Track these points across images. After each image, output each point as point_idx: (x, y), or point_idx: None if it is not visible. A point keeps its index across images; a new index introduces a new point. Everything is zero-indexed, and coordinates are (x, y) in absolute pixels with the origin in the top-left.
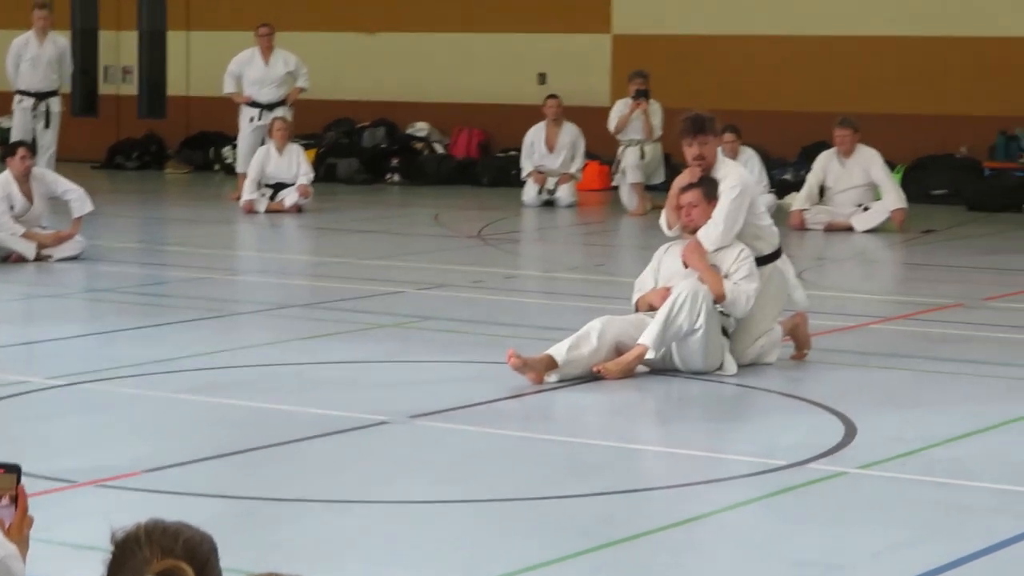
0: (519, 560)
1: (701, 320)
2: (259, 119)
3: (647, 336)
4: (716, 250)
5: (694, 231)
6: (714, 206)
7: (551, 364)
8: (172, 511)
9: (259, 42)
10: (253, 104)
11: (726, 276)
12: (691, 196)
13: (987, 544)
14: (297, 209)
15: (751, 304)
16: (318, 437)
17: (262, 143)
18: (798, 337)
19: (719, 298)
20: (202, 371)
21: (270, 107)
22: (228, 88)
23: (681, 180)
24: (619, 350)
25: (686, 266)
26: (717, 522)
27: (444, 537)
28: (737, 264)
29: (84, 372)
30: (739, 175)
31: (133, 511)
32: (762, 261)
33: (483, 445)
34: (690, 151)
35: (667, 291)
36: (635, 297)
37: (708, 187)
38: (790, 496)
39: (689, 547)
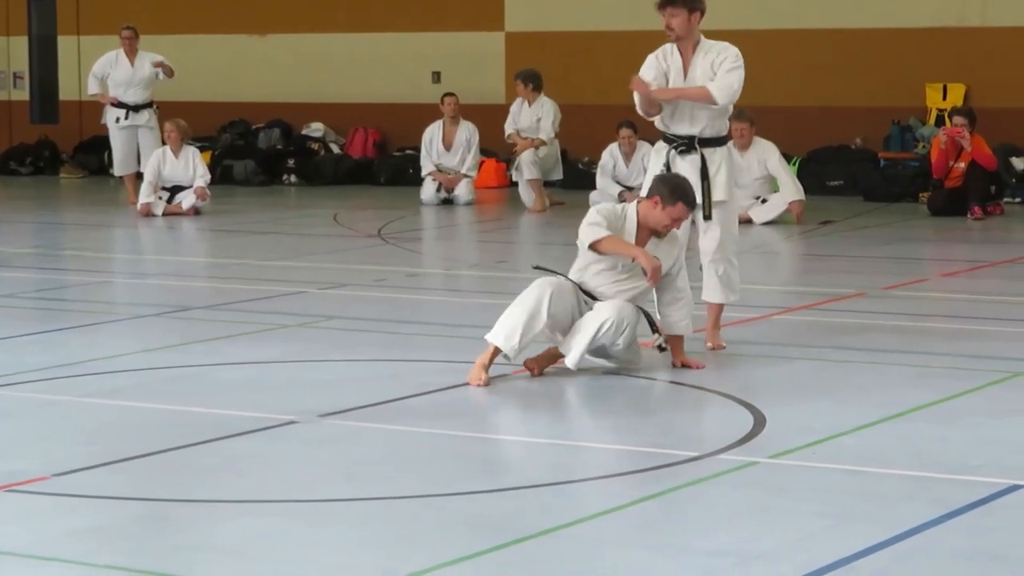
0: (431, 558)
1: (621, 340)
2: (125, 119)
3: (571, 358)
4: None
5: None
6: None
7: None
8: (84, 515)
9: (122, 44)
10: (119, 105)
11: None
12: (681, 211)
13: (902, 530)
14: (195, 211)
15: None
16: (227, 438)
17: (157, 145)
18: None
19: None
20: (107, 375)
21: (136, 108)
22: (92, 89)
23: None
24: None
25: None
26: (630, 515)
27: (356, 536)
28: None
29: None
30: (735, 52)
31: (46, 516)
32: None
33: (393, 443)
34: (663, 22)
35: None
36: (597, 233)
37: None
38: (703, 487)
39: (602, 541)
